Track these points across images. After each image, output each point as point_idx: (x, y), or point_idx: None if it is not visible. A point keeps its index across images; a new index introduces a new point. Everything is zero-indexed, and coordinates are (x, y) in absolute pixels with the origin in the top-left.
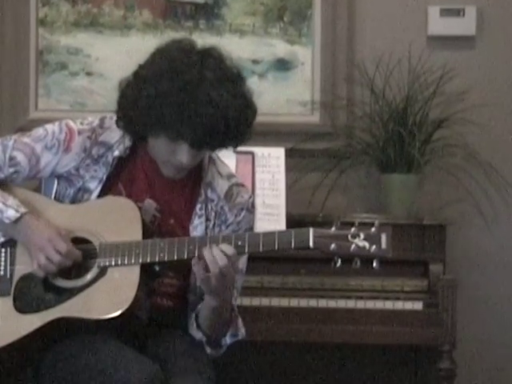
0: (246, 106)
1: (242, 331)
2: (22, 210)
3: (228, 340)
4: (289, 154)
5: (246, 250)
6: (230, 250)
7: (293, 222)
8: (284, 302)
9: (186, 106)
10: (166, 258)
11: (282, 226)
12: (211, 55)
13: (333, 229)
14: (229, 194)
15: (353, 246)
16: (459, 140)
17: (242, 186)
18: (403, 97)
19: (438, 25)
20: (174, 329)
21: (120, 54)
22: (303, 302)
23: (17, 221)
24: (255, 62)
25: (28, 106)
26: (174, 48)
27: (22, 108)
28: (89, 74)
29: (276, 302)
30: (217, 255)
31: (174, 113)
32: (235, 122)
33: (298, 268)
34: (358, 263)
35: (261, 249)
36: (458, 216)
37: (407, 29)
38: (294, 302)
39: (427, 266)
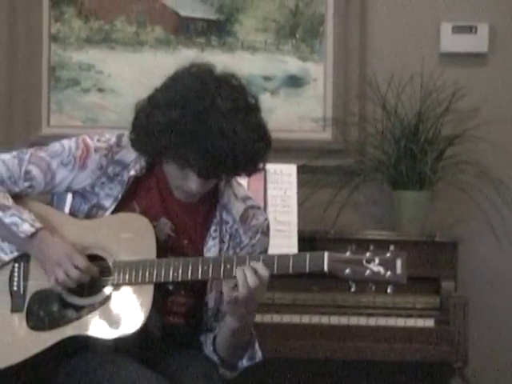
0: (258, 139)
1: (259, 354)
2: (38, 225)
3: (245, 363)
4: (301, 171)
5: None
6: (263, 271)
7: (304, 238)
8: (295, 319)
9: (195, 135)
10: (179, 279)
11: (293, 242)
12: (228, 83)
13: (348, 253)
14: (244, 216)
15: (367, 272)
16: (471, 157)
17: (258, 208)
18: (415, 113)
19: (451, 42)
20: (188, 348)
21: (132, 70)
22: (315, 319)
23: (32, 235)
24: (267, 78)
25: (40, 121)
26: (191, 74)
27: (35, 124)
28: (101, 90)
29: (287, 318)
30: (249, 276)
31: (182, 142)
32: (244, 154)
33: (310, 285)
34: (373, 288)
35: (275, 271)
36: (469, 233)
37: (419, 45)
38: (306, 319)
39: (439, 283)
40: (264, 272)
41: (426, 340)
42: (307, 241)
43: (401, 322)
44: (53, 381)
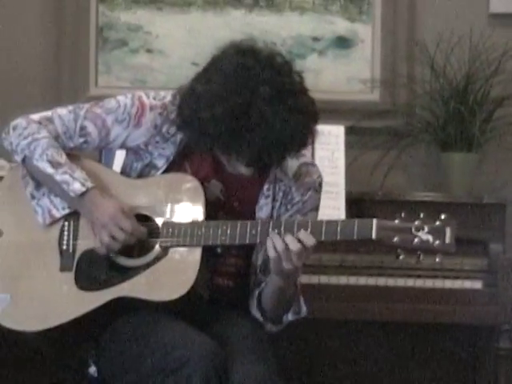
0: (305, 123)
1: (304, 309)
2: (89, 184)
3: (290, 317)
4: (348, 132)
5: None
6: (310, 239)
7: (352, 200)
8: (343, 280)
9: (240, 129)
10: (227, 242)
11: (341, 203)
12: (272, 65)
13: (396, 221)
14: (298, 173)
15: (416, 240)
16: None
17: (312, 165)
18: (464, 75)
19: (500, 2)
20: (236, 309)
21: (180, 31)
22: (362, 280)
23: (82, 195)
24: (315, 39)
25: (88, 82)
26: (231, 60)
27: (83, 85)
28: (149, 51)
29: (335, 280)
30: (290, 243)
31: (228, 136)
32: (292, 141)
33: (358, 246)
34: (422, 257)
35: (323, 238)
36: None
37: (468, 6)
38: (353, 280)
39: (487, 245)
40: (310, 241)
41: (474, 302)
42: (355, 202)
43: (448, 284)
44: (100, 340)
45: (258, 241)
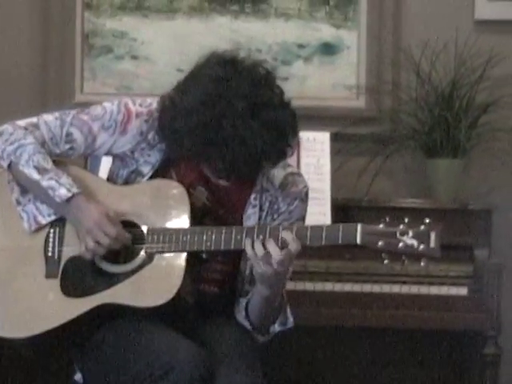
0: (280, 137)
1: (291, 320)
2: (75, 189)
3: (277, 328)
4: (334, 139)
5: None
6: (294, 244)
7: (338, 206)
8: (328, 287)
9: (213, 141)
10: (212, 248)
11: (326, 210)
12: (250, 76)
13: (381, 225)
14: (284, 183)
15: (401, 244)
16: (505, 124)
17: (298, 174)
18: (449, 81)
19: (485, 9)
20: (222, 316)
21: (166, 37)
22: (347, 287)
23: (68, 200)
24: (301, 46)
25: (74, 89)
26: (210, 72)
27: (68, 91)
28: (134, 57)
29: (320, 286)
30: (274, 247)
31: (201, 147)
32: (265, 155)
33: (343, 253)
34: (406, 262)
35: (308, 242)
36: (503, 201)
37: (454, 13)
38: (338, 287)
39: (472, 251)
40: (295, 245)
41: (460, 308)
42: (340, 208)
43: (434, 290)
44: (85, 347)
45: (243, 246)
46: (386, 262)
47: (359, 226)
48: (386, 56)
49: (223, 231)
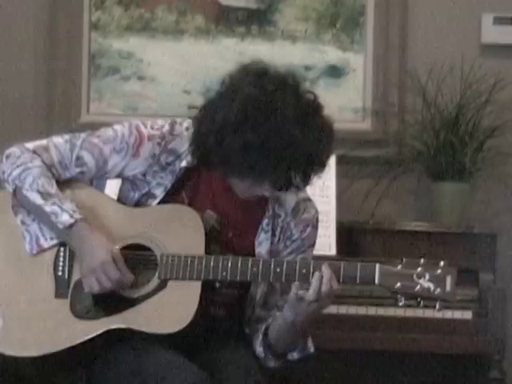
0: (329, 140)
1: (311, 347)
2: (77, 216)
3: (296, 355)
4: (339, 161)
5: (311, 278)
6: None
7: (342, 228)
8: (333, 310)
9: (272, 154)
10: (228, 278)
11: (331, 232)
12: (289, 86)
13: (399, 267)
14: (296, 209)
15: (417, 287)
16: (511, 149)
17: (309, 200)
18: (455, 105)
19: (492, 33)
20: (227, 337)
21: (172, 58)
22: (352, 310)
23: (70, 226)
24: (307, 68)
25: (80, 109)
26: (249, 86)
27: (74, 111)
28: (141, 78)
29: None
30: (324, 282)
31: (261, 161)
32: (318, 160)
33: None
34: (422, 303)
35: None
36: (509, 225)
37: (460, 37)
38: (343, 310)
39: (477, 275)
40: (335, 284)
41: (464, 332)
42: (346, 231)
43: (438, 314)
44: (91, 368)
45: (260, 280)
46: (401, 303)
47: (377, 267)
48: (392, 79)
49: (239, 262)
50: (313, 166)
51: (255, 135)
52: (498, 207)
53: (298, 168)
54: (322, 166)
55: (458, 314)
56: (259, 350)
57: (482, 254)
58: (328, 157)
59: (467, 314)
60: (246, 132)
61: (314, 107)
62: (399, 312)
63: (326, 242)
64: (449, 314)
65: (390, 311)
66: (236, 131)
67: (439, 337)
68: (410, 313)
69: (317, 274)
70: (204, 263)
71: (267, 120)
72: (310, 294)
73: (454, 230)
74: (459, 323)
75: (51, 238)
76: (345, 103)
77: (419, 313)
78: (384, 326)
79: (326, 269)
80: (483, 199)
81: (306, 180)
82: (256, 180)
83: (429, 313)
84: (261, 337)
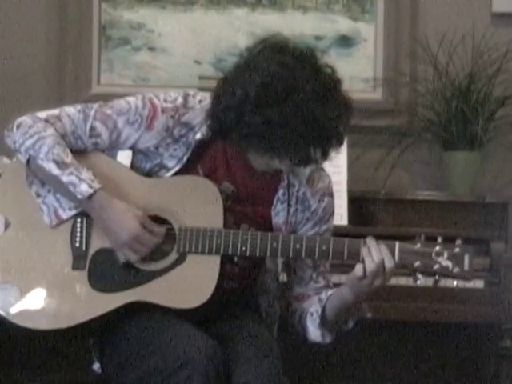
0: (349, 115)
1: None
2: (96, 185)
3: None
4: (351, 131)
5: (330, 256)
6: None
7: (354, 198)
8: (344, 280)
9: (293, 130)
10: (247, 253)
11: (343, 202)
12: (310, 63)
13: (418, 245)
14: (310, 178)
15: (436, 266)
16: None
17: (322, 169)
18: (466, 74)
19: (503, 1)
20: (239, 309)
21: (183, 29)
22: None
23: (90, 196)
24: (318, 38)
25: (90, 80)
26: (270, 61)
27: (85, 82)
28: (151, 49)
29: (336, 279)
30: (385, 255)
31: (281, 138)
32: (338, 135)
33: None
34: (439, 281)
35: (345, 257)
36: None
37: (471, 5)
38: None
39: (489, 244)
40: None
41: (476, 301)
42: (357, 201)
43: (450, 283)
44: (104, 337)
45: (279, 256)
46: (419, 281)
47: (397, 245)
48: (403, 48)
49: (258, 237)
50: (332, 141)
51: (276, 112)
52: (510, 176)
53: (318, 144)
54: (340, 141)
55: (469, 284)
56: (316, 333)
57: (494, 223)
58: (346, 131)
59: (479, 283)
60: (266, 109)
61: (334, 82)
62: (411, 282)
63: (338, 212)
64: (461, 283)
65: (402, 281)
66: (256, 108)
67: (451, 306)
68: (422, 282)
69: (364, 249)
70: (222, 238)
71: (288, 97)
72: (372, 267)
73: (466, 199)
74: (471, 292)
75: (69, 209)
76: (356, 73)
77: (431, 282)
78: (396, 295)
79: (370, 240)
80: (495, 168)
81: (325, 155)
82: (276, 155)
83: (441, 282)
84: (318, 321)
